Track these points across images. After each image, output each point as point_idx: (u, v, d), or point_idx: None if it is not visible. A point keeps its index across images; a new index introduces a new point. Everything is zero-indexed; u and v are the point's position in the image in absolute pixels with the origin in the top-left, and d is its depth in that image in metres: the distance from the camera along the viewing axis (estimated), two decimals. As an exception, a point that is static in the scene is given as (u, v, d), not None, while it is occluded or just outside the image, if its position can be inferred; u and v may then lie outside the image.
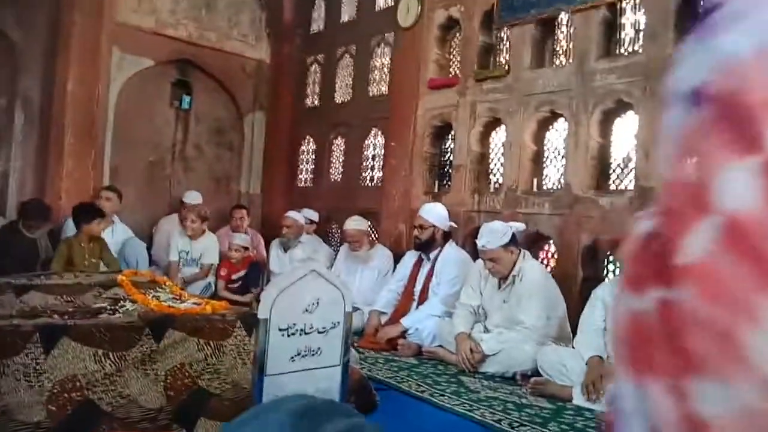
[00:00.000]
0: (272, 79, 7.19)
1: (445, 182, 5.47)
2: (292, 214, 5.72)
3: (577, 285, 4.17)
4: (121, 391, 2.13)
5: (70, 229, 4.98)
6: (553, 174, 4.68)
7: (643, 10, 4.14)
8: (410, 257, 4.73)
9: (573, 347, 3.43)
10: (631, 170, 4.13)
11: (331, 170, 6.72)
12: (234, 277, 5.37)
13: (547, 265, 4.48)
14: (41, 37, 5.64)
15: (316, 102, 7.00)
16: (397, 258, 5.00)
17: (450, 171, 5.35)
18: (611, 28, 4.32)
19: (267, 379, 1.84)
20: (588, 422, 2.88)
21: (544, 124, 4.70)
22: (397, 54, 5.87)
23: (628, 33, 4.24)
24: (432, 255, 4.51)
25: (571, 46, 4.56)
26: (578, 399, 3.10)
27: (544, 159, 4.75)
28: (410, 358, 3.98)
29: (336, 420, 0.87)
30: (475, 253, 4.19)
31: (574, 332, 3.56)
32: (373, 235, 5.67)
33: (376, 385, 2.94)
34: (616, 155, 4.30)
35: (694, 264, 0.56)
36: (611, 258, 4.24)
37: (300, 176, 7.13)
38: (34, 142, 5.67)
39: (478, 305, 3.99)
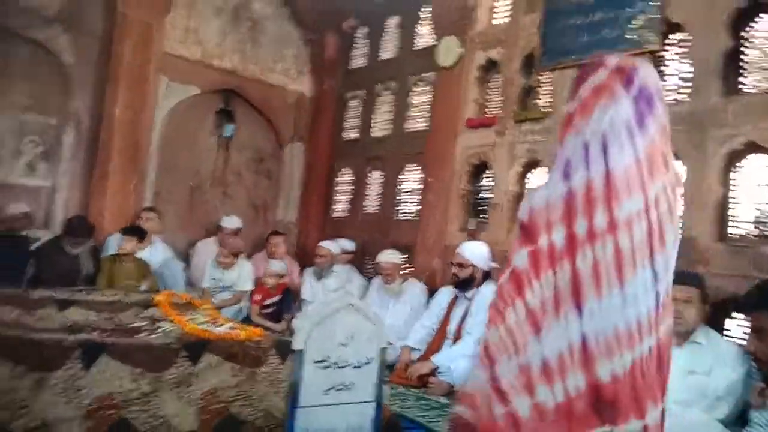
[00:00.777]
0: (312, 112, 7.34)
1: (479, 218, 5.45)
2: (326, 243, 5.77)
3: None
4: (155, 412, 2.16)
5: (111, 247, 5.12)
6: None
7: (688, 60, 4.12)
8: (446, 294, 4.68)
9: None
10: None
11: (366, 202, 6.78)
12: (268, 302, 5.40)
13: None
14: (93, 62, 5.89)
15: (354, 135, 7.11)
16: (430, 293, 4.97)
17: (485, 208, 5.35)
18: (653, 76, 4.30)
19: (300, 410, 1.84)
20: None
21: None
22: (438, 92, 5.95)
23: (671, 82, 4.22)
24: (469, 294, 4.45)
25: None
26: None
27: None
28: (441, 397, 3.92)
29: None
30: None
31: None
32: (406, 269, 5.66)
33: (406, 424, 2.90)
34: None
35: (501, 285, 1.42)
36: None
37: (335, 207, 7.21)
38: (81, 162, 5.87)
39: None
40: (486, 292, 4.36)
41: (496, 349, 1.36)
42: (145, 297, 3.24)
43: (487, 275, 4.49)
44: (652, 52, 4.22)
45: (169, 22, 6.18)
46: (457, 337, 4.37)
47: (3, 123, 5.55)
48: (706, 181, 3.80)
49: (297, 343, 1.85)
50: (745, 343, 3.11)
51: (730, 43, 3.86)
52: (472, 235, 5.15)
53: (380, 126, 6.77)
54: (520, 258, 1.30)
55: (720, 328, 3.56)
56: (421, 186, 6.02)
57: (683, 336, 3.15)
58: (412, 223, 5.98)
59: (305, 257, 6.52)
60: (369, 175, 6.77)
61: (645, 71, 1.30)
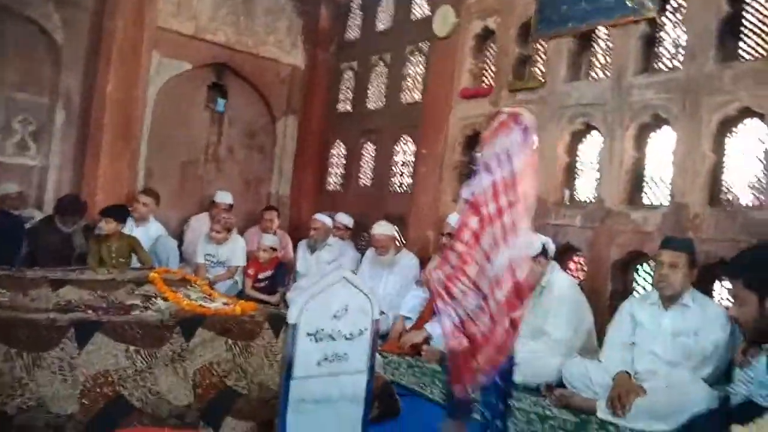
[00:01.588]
0: (306, 85, 7.26)
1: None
2: (320, 216, 5.78)
3: (605, 298, 4.12)
4: (151, 388, 2.18)
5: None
6: (585, 187, 4.63)
7: (684, 27, 4.08)
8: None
9: (599, 360, 3.39)
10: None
11: (360, 175, 6.76)
12: (261, 276, 5.44)
13: (576, 278, 4.43)
14: (84, 38, 5.79)
15: (348, 108, 7.06)
16: (423, 264, 4.99)
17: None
18: (650, 43, 4.27)
19: (294, 382, 1.86)
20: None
21: (577, 137, 4.66)
22: (432, 63, 5.88)
23: (667, 49, 4.18)
24: (459, 263, 4.48)
25: (608, 60, 4.52)
26: (602, 412, 3.06)
27: (576, 171, 4.71)
28: (434, 364, 3.97)
29: None
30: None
31: (601, 344, 3.54)
32: (399, 241, 5.67)
33: (400, 391, 2.95)
34: (651, 170, 4.25)
35: (466, 241, 2.18)
36: (640, 272, 4.19)
37: (329, 180, 7.19)
38: (72, 140, 5.82)
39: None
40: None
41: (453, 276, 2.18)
42: (139, 275, 3.24)
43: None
44: (649, 20, 4.18)
45: (162, -4, 6.05)
46: (450, 305, 4.41)
47: (-6, 101, 5.49)
48: (700, 148, 3.79)
49: (291, 317, 1.86)
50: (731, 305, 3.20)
51: (728, 8, 3.81)
52: (466, 206, 5.15)
53: (375, 98, 6.72)
54: (474, 222, 2.12)
55: (709, 292, 3.63)
56: (414, 159, 5.99)
57: (670, 299, 3.21)
58: (406, 196, 5.97)
59: (300, 231, 6.52)
60: (363, 147, 6.74)
61: (527, 116, 2.14)
